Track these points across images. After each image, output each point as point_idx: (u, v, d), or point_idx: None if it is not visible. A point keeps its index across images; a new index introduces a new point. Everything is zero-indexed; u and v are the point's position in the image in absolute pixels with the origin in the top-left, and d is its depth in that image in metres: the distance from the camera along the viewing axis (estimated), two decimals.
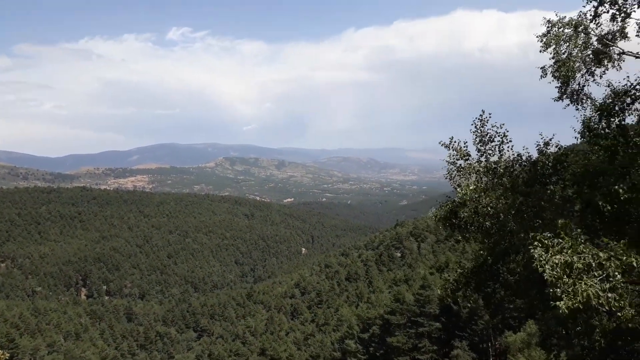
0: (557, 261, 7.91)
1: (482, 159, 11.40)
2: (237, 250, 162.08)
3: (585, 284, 7.55)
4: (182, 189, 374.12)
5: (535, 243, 8.18)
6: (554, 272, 7.83)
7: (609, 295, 7.55)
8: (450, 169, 11.78)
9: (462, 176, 11.57)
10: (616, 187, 8.76)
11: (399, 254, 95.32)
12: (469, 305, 37.58)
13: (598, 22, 11.33)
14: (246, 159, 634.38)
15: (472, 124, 11.34)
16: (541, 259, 8.05)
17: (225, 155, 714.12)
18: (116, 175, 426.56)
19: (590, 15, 11.29)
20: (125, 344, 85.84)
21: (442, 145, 11.99)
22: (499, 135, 11.12)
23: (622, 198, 8.63)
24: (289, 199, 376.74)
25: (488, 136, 11.22)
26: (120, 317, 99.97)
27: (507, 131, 11.14)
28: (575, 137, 11.14)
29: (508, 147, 11.19)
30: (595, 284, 7.57)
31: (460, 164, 11.52)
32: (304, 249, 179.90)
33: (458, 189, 11.53)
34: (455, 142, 11.54)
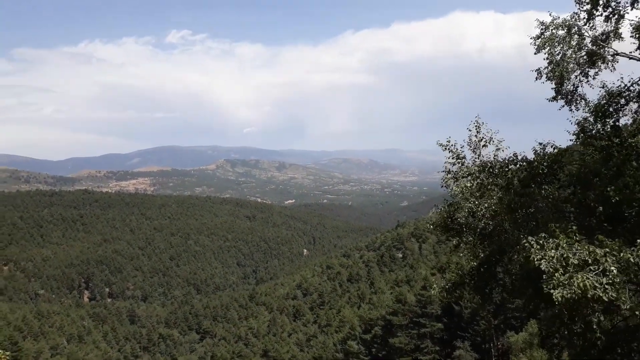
0: (553, 255, 8.00)
1: (477, 160, 11.51)
2: (239, 252, 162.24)
3: (581, 276, 7.62)
4: (183, 191, 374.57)
5: (530, 239, 8.29)
6: (550, 265, 7.90)
7: (606, 285, 7.57)
8: (446, 178, 11.93)
9: (457, 182, 11.70)
10: (608, 189, 8.85)
11: (400, 255, 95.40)
12: (471, 305, 37.65)
13: (592, 25, 11.39)
14: (247, 161, 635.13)
15: (467, 129, 11.47)
16: (537, 252, 8.15)
17: (226, 157, 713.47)
18: (118, 178, 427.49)
19: (584, 17, 11.36)
20: (128, 347, 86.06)
21: (439, 145, 12.14)
22: (493, 142, 11.24)
23: (612, 201, 8.72)
24: (290, 201, 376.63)
25: (483, 141, 11.36)
26: (123, 319, 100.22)
27: (503, 140, 11.26)
28: (571, 140, 11.23)
29: (503, 148, 11.29)
30: (592, 277, 7.63)
31: (456, 170, 11.65)
32: (305, 251, 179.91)
33: (454, 188, 11.66)
34: (452, 144, 11.68)
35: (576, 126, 11.09)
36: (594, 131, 10.69)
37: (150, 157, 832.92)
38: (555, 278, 7.65)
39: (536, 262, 7.94)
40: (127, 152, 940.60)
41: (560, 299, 7.45)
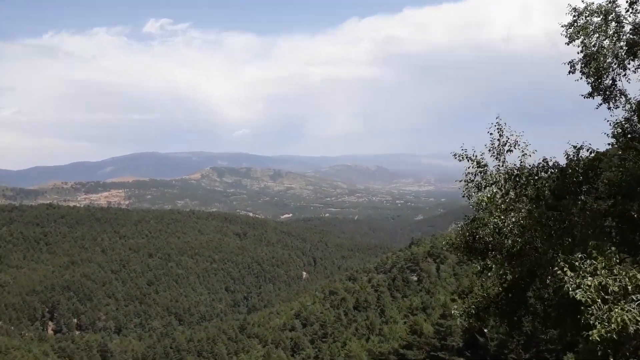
0: (590, 283, 7.94)
1: (502, 167, 11.48)
2: (228, 276, 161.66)
3: (621, 309, 7.55)
4: (163, 204, 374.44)
5: (562, 264, 8.22)
6: (587, 295, 7.85)
7: None
8: (467, 187, 11.90)
9: (480, 192, 11.68)
10: None
11: (415, 278, 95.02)
12: (497, 336, 37.33)
13: (634, 10, 11.34)
14: (237, 169, 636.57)
15: (488, 132, 11.45)
16: (571, 281, 8.09)
17: (213, 165, 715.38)
18: (87, 189, 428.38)
19: (624, 1, 11.34)
20: None
21: (454, 156, 12.10)
22: (519, 146, 11.22)
23: None
24: (287, 215, 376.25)
25: (507, 146, 11.34)
26: (94, 355, 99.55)
27: (529, 143, 11.23)
28: (610, 143, 11.17)
29: (530, 153, 11.25)
30: (633, 308, 7.56)
31: (478, 180, 11.62)
32: (304, 273, 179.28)
33: (477, 198, 11.62)
34: (471, 153, 11.66)
35: (615, 127, 11.07)
36: (636, 132, 10.67)
37: (126, 166, 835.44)
38: (592, 311, 7.60)
39: (571, 293, 7.89)
40: (99, 159, 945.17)
41: (598, 339, 7.40)
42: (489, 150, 11.69)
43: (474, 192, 11.80)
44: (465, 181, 11.84)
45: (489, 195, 11.42)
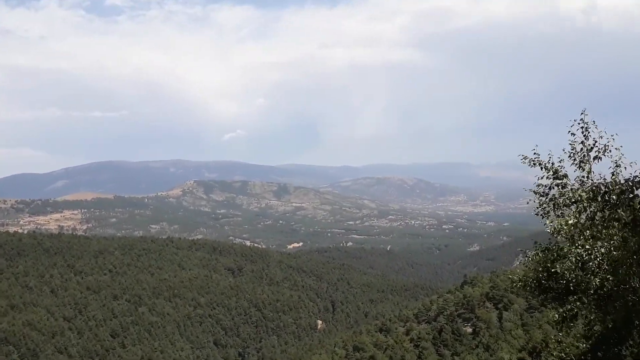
0: None
1: (586, 179, 11.51)
2: (218, 325, 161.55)
3: None
4: (133, 230, 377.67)
5: None
6: None
7: None
8: (542, 203, 11.95)
9: (558, 211, 11.71)
10: None
11: (469, 329, 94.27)
12: None
13: None
14: (229, 183, 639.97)
15: (570, 132, 11.52)
16: None
17: (198, 177, 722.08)
18: (33, 210, 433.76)
19: None
20: None
21: (523, 161, 12.24)
22: (609, 153, 11.24)
23: None
24: (296, 244, 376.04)
25: (594, 151, 11.38)
26: None
27: (621, 146, 11.28)
28: None
29: (623, 161, 11.27)
30: None
31: (554, 195, 11.67)
32: (320, 322, 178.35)
33: (552, 223, 11.66)
34: (544, 158, 11.76)
35: None
36: None
37: (83, 179, 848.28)
38: None
39: None
40: (48, 170, 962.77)
41: None
42: (570, 156, 11.75)
43: (552, 211, 11.82)
44: (538, 194, 11.89)
45: (571, 215, 11.43)
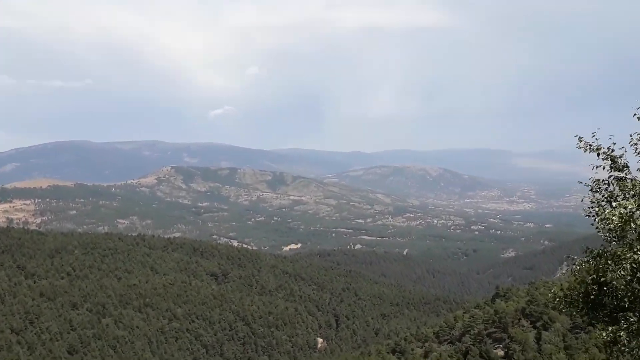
0: None
1: None
2: (197, 341, 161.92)
3: None
4: (96, 225, 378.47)
5: None
6: None
7: None
8: (594, 200, 11.74)
9: (614, 209, 11.46)
10: None
11: (500, 352, 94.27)
12: None
13: None
14: (214, 170, 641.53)
15: (636, 116, 11.32)
16: None
17: (176, 163, 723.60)
18: None
19: None
20: None
21: (578, 144, 12.07)
22: None
23: None
24: (293, 245, 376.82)
25: None
26: None
27: None
28: None
29: None
30: None
31: (612, 190, 11.44)
32: (320, 340, 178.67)
33: (604, 222, 11.44)
34: (601, 144, 11.54)
35: None
36: None
37: (38, 162, 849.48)
38: None
39: None
40: None
41: None
42: (632, 144, 11.52)
43: (605, 209, 11.58)
44: (591, 188, 11.69)
45: (627, 213, 11.14)
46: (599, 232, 12.13)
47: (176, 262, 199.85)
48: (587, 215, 12.06)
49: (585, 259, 12.49)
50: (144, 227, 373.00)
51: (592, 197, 11.97)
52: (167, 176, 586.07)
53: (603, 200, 11.77)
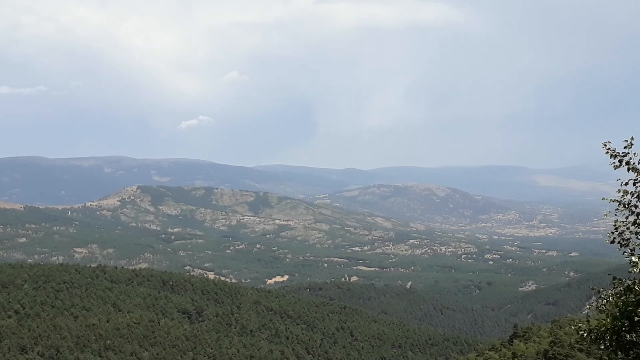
0: None
1: None
2: None
3: None
4: (49, 254, 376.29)
5: None
6: None
7: None
8: (619, 225, 11.84)
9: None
10: None
11: None
12: None
13: None
14: (187, 190, 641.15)
15: None
16: None
17: (144, 182, 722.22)
18: None
19: None
20: None
21: (606, 151, 12.18)
22: None
23: None
24: (279, 278, 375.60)
25: None
26: None
27: None
28: None
29: None
30: None
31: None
32: None
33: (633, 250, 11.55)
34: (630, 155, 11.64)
35: None
36: None
37: None
38: None
39: None
40: None
41: None
42: None
43: (633, 232, 11.71)
44: (618, 204, 11.78)
45: None
46: (629, 262, 12.23)
47: (142, 298, 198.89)
48: (611, 242, 12.13)
49: (613, 292, 12.53)
50: (105, 257, 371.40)
51: (617, 224, 12.03)
52: (132, 197, 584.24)
53: (628, 227, 11.82)
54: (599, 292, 12.86)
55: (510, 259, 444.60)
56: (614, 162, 12.08)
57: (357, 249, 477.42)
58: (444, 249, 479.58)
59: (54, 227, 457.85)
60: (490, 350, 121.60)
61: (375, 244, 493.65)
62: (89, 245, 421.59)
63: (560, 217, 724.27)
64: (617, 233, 12.03)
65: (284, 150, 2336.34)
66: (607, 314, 12.71)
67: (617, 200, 12.19)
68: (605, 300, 12.96)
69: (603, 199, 12.69)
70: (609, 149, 12.05)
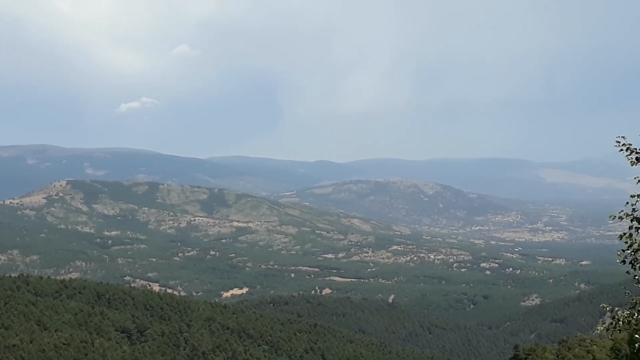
0: None
1: None
2: None
3: None
4: None
5: None
6: None
7: None
8: (632, 240, 11.96)
9: None
10: None
11: None
12: None
13: None
14: (127, 186, 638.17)
15: None
16: None
17: (74, 176, 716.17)
18: None
19: None
20: None
21: (617, 145, 12.27)
22: None
23: None
24: (238, 290, 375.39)
25: None
26: None
27: None
28: None
29: None
30: None
31: None
32: None
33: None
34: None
35: None
36: None
37: None
38: None
39: None
40: None
41: None
42: None
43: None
44: (631, 219, 11.89)
45: None
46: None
47: (73, 314, 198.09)
48: (622, 262, 12.22)
49: (628, 312, 12.62)
50: (29, 265, 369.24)
51: (624, 234, 12.12)
52: (61, 194, 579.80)
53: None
54: (613, 311, 12.89)
55: (511, 269, 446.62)
56: (631, 158, 12.11)
57: (330, 256, 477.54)
58: (432, 257, 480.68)
59: None
60: None
61: (352, 250, 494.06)
62: (9, 251, 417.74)
63: (570, 219, 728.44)
64: (629, 251, 12.08)
65: (244, 139, 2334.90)
66: (623, 334, 12.84)
67: (630, 215, 12.23)
68: (619, 320, 13.00)
69: (611, 216, 12.68)
70: (623, 144, 12.10)
